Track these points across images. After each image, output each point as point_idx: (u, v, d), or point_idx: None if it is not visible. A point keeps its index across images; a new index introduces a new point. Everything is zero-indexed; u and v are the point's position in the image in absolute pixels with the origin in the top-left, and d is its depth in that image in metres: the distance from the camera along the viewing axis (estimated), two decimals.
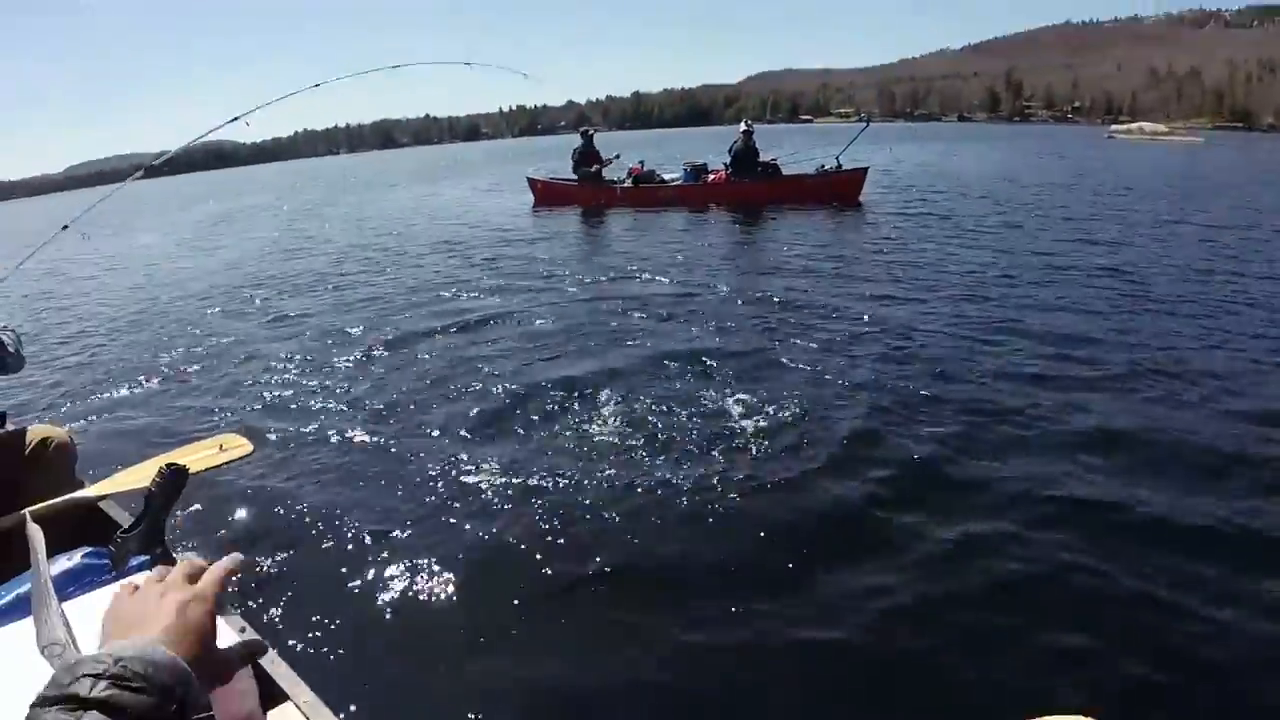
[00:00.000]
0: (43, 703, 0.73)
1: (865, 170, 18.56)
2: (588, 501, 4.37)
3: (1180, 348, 6.76)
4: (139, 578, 0.93)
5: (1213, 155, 42.59)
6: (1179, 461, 4.62)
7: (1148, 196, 18.80)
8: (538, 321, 8.53)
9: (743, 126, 18.53)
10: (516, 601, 3.56)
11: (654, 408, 5.69)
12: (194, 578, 0.95)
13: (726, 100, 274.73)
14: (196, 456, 3.33)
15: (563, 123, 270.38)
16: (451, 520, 4.29)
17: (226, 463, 3.39)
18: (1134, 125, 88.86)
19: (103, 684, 0.74)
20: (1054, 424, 5.20)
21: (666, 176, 19.51)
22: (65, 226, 4.30)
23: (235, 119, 4.81)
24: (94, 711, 0.72)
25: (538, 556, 3.88)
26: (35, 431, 3.17)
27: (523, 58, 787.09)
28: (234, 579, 0.99)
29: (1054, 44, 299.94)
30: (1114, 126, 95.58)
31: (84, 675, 0.74)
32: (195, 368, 7.75)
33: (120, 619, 0.87)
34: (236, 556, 1.02)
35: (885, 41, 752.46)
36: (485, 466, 4.87)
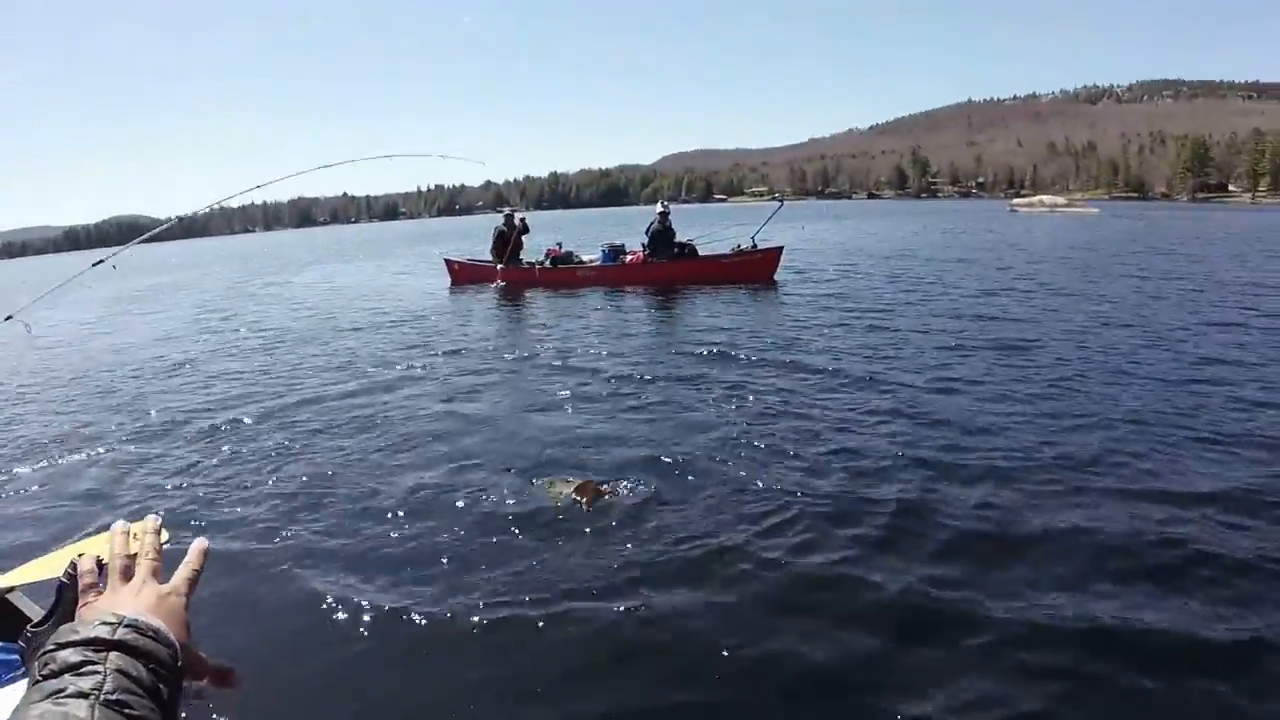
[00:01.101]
0: (62, 646, 0.77)
1: (779, 249, 18.87)
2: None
3: (1062, 425, 6.86)
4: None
5: (1107, 225, 45.87)
6: (1072, 556, 4.52)
7: (1046, 268, 19.99)
8: (436, 404, 8.40)
9: (659, 208, 18.66)
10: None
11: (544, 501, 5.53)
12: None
13: (643, 180, 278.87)
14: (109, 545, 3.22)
15: (480, 202, 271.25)
16: (378, 602, 4.20)
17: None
18: (1034, 198, 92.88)
19: (123, 629, 0.80)
20: (945, 516, 5.08)
21: (585, 257, 19.57)
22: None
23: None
24: (116, 651, 0.78)
25: (469, 644, 3.85)
26: None
27: (440, 137, 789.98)
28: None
29: (957, 122, 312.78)
30: (1015, 200, 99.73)
31: (101, 623, 0.79)
32: (109, 451, 7.43)
33: (99, 610, 0.89)
34: (201, 545, 1.05)
35: (795, 122, 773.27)
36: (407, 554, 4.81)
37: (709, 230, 20.32)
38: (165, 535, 1.03)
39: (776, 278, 18.59)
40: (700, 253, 18.87)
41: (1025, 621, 3.79)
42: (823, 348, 10.59)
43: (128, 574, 0.98)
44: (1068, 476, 5.62)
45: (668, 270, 18.26)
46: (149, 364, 12.09)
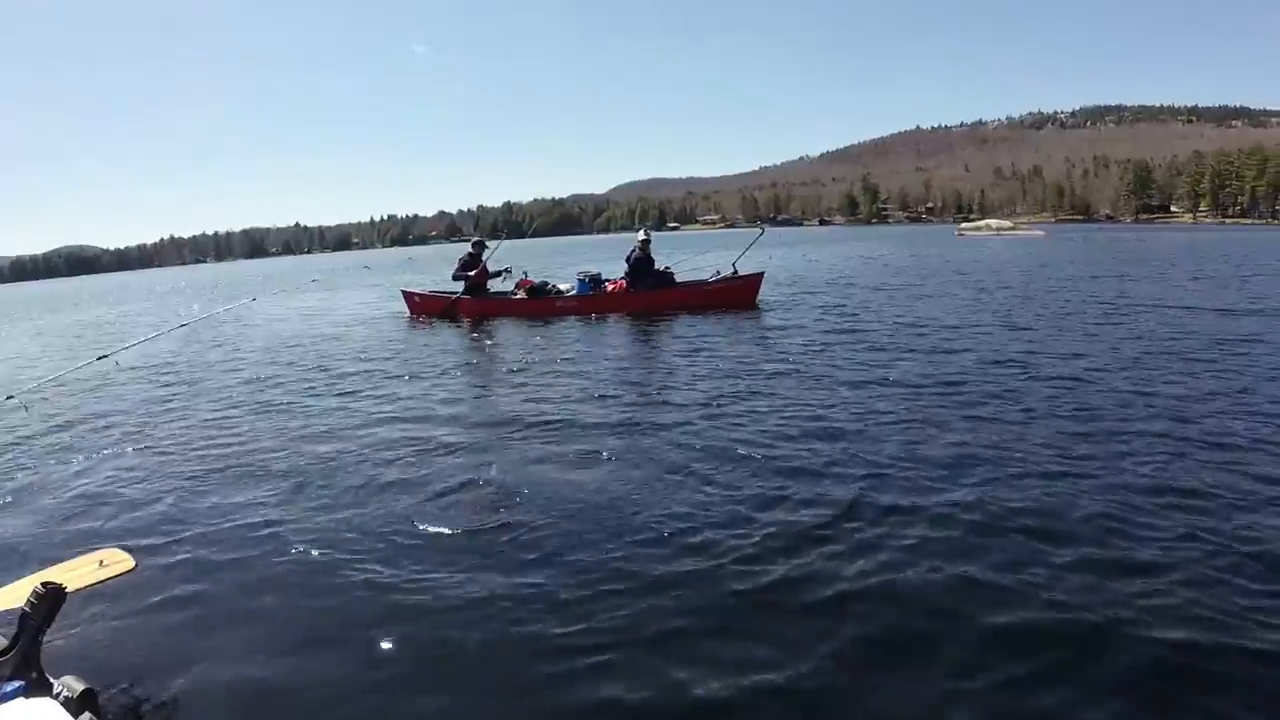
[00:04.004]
0: None
1: (761, 275, 18.74)
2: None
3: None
4: (14, 705, 0.83)
5: (1051, 247, 48.98)
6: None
7: (1002, 291, 20.57)
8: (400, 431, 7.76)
9: (641, 235, 18.22)
10: None
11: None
12: None
13: (596, 209, 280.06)
14: (75, 574, 3.38)
15: (434, 232, 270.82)
16: (344, 637, 4.09)
17: (108, 579, 3.48)
18: (981, 222, 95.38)
19: None
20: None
21: (561, 287, 18.72)
22: None
23: None
24: None
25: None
26: None
27: (393, 167, 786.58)
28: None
29: (906, 149, 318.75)
30: (963, 225, 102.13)
31: None
32: (70, 480, 7.11)
33: None
34: None
35: (746, 151, 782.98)
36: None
37: (664, 257, 19.79)
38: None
39: (758, 301, 18.37)
40: (678, 279, 18.42)
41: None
42: (820, 367, 10.53)
43: None
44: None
45: (650, 298, 17.75)
46: None
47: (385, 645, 3.96)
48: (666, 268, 18.36)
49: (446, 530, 5.33)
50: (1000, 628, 3.85)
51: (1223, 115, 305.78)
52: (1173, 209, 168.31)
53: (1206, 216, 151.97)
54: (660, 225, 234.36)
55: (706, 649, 3.80)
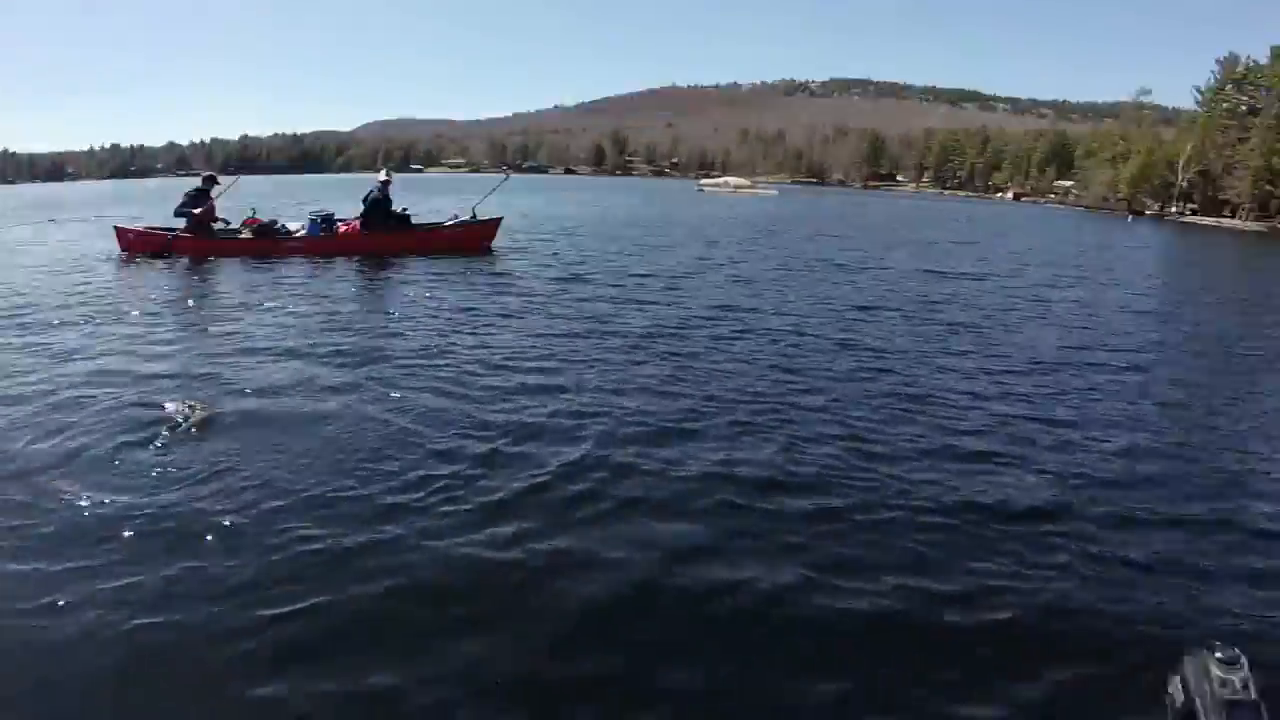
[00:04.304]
0: None
1: (499, 219, 18.88)
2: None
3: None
4: None
5: (780, 204, 54.13)
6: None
7: (731, 246, 22.28)
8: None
9: (381, 175, 17.78)
10: None
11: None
12: None
13: (339, 148, 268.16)
14: None
15: (160, 165, 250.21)
16: None
17: None
18: (721, 180, 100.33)
19: None
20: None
21: (291, 226, 17.64)
22: None
23: None
24: None
25: None
26: None
27: (119, 96, 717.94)
28: None
29: (661, 105, 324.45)
30: (703, 181, 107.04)
31: None
32: None
33: None
34: None
35: (503, 96, 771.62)
36: None
37: (405, 198, 19.28)
38: None
39: (494, 247, 18.53)
40: (415, 222, 18.21)
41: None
42: (548, 315, 10.96)
43: None
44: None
45: (385, 240, 17.34)
46: None
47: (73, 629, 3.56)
48: (404, 209, 17.97)
49: (115, 501, 4.75)
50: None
51: (958, 97, 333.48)
52: (899, 178, 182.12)
53: (928, 186, 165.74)
54: (404, 167, 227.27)
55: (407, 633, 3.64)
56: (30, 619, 3.62)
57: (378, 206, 17.28)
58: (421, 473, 5.18)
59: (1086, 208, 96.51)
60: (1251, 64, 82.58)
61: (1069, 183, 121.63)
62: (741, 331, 10.10)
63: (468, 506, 4.73)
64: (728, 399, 7.02)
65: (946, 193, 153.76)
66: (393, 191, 17.66)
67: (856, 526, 4.65)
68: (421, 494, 4.89)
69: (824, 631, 3.65)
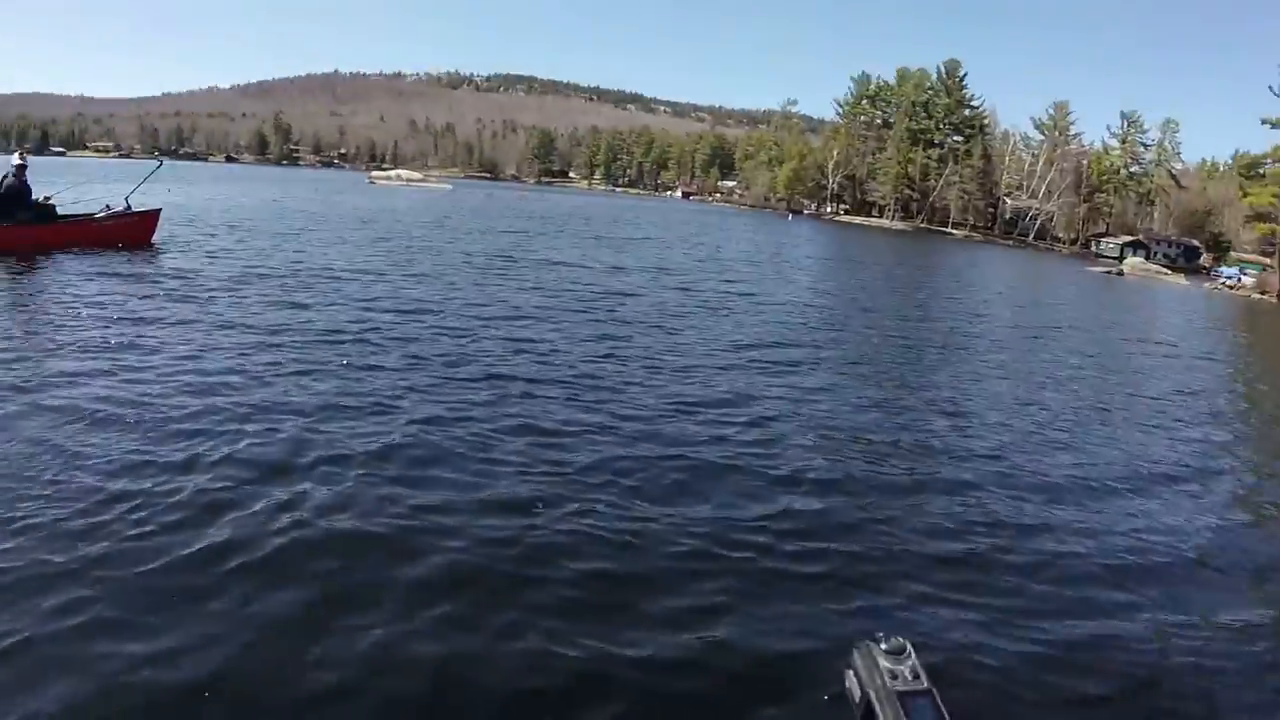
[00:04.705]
0: None
1: (158, 211, 17.95)
2: None
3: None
4: None
5: (455, 197, 57.37)
6: None
7: (401, 238, 23.05)
8: None
9: (16, 159, 15.77)
10: None
11: None
12: None
13: None
14: None
15: None
16: None
17: None
18: (393, 172, 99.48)
19: None
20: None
21: None
22: None
23: None
24: None
25: None
26: None
27: None
28: None
29: (322, 91, 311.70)
30: (374, 173, 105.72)
31: None
32: None
33: None
34: None
35: (148, 71, 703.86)
36: None
37: (45, 185, 17.00)
38: None
39: (155, 240, 17.62)
40: (59, 213, 16.39)
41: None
42: (218, 318, 10.66)
43: None
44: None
45: (27, 234, 15.48)
46: None
47: None
48: (47, 198, 16.21)
49: None
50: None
51: (620, 99, 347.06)
52: (571, 175, 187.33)
53: (600, 184, 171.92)
54: (43, 149, 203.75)
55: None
56: None
57: (13, 194, 15.55)
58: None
59: (750, 206, 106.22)
60: (881, 83, 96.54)
61: (732, 183, 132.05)
62: (431, 331, 10.66)
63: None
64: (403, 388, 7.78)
65: (618, 190, 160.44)
66: (30, 178, 15.97)
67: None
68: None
69: None
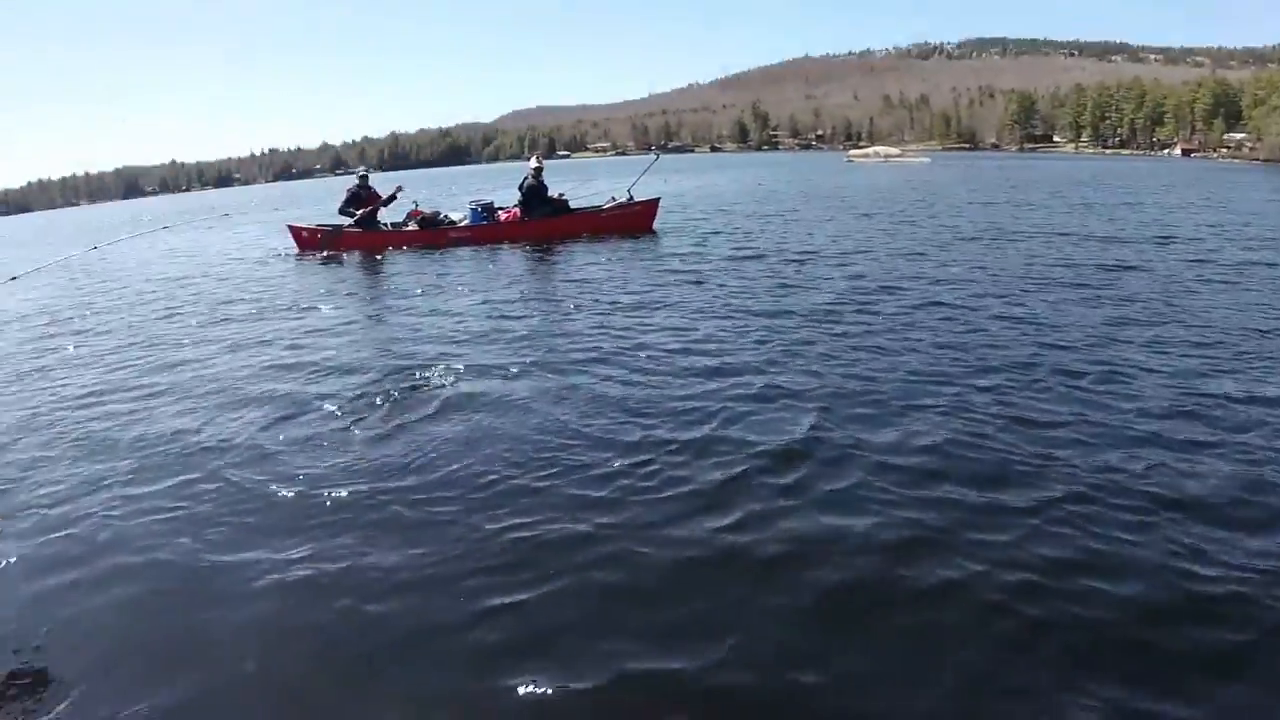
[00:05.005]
0: None
1: (657, 201, 18.67)
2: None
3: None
4: None
5: (933, 172, 50.92)
6: None
7: (890, 217, 20.90)
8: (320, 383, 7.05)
9: (533, 163, 17.90)
10: None
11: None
12: None
13: (485, 138, 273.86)
14: None
15: (319, 166, 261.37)
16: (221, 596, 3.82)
17: None
18: (869, 149, 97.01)
19: None
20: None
21: (454, 216, 18.25)
22: None
23: None
24: None
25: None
26: None
27: (271, 101, 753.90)
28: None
29: (794, 77, 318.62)
30: (852, 151, 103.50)
31: None
32: None
33: None
34: None
35: (637, 78, 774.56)
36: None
37: (556, 184, 19.01)
38: None
39: (654, 227, 18.31)
40: (572, 207, 18.27)
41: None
42: (724, 295, 10.51)
43: None
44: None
45: (545, 226, 17.55)
46: None
47: (272, 612, 3.66)
48: (560, 194, 18.04)
49: (338, 489, 4.84)
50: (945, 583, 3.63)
51: (1104, 50, 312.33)
52: (1055, 139, 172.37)
53: (1088, 147, 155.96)
54: (550, 153, 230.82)
55: (647, 615, 3.51)
56: (240, 601, 3.75)
57: (534, 193, 17.49)
58: (625, 461, 5.00)
59: (1265, 160, 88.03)
60: None
61: (1240, 135, 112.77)
62: (926, 304, 9.40)
63: (676, 495, 4.54)
64: (933, 376, 6.52)
65: (1109, 152, 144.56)
66: (545, 177, 17.74)
67: (1080, 518, 4.13)
68: (629, 482, 4.73)
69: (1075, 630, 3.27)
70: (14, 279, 5.53)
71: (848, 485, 4.57)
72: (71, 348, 9.76)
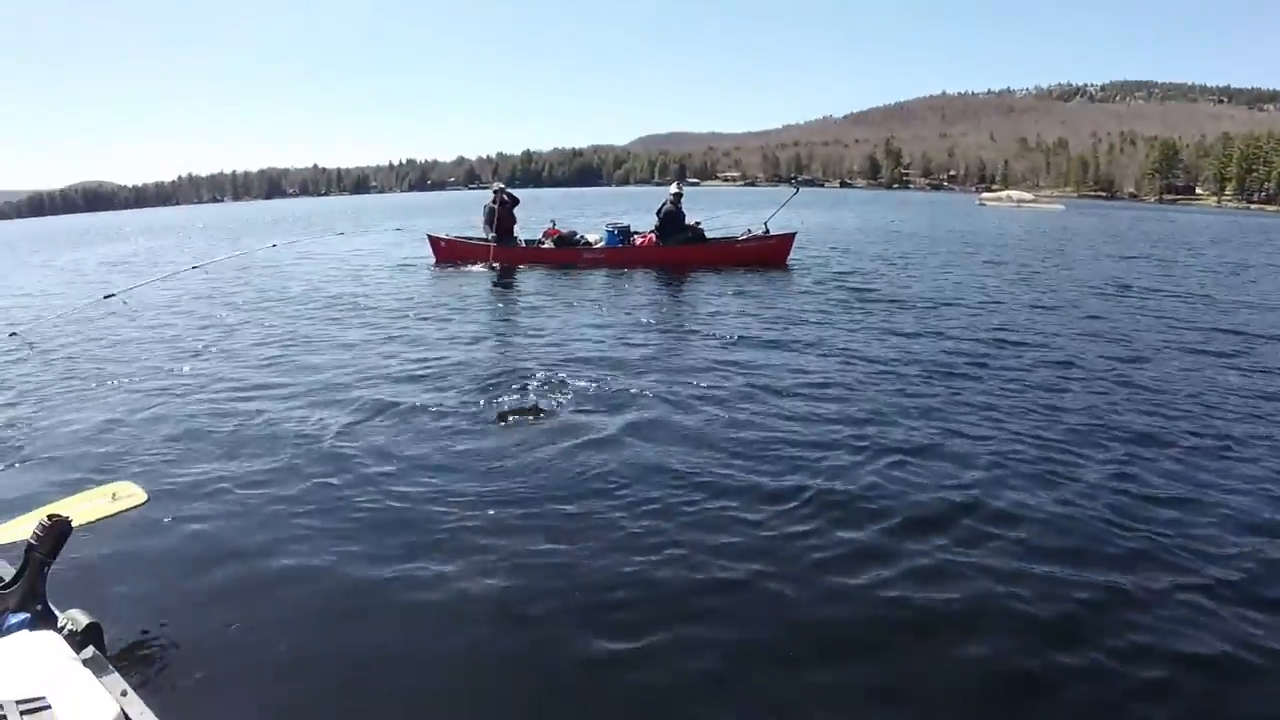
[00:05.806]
0: None
1: (794, 235, 18.51)
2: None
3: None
4: (17, 637, 0.83)
5: (1067, 221, 48.37)
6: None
7: (1025, 268, 19.76)
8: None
9: (674, 189, 17.95)
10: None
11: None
12: None
13: (616, 161, 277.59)
14: (84, 507, 3.37)
15: (453, 179, 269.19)
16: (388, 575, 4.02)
17: (118, 512, 3.43)
18: (1002, 193, 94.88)
19: None
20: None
21: (590, 237, 18.43)
22: None
23: None
24: None
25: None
26: None
27: (413, 113, 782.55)
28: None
29: (930, 114, 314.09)
30: (984, 195, 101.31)
31: None
32: (79, 416, 6.95)
33: None
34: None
35: (769, 108, 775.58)
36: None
37: (704, 215, 19.32)
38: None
39: (788, 262, 18.12)
40: (706, 236, 18.19)
41: None
42: (860, 334, 10.31)
43: None
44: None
45: (680, 253, 17.51)
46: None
47: (402, 605, 3.78)
48: (697, 223, 17.99)
49: (478, 490, 5.06)
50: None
51: (1255, 98, 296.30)
52: (1198, 190, 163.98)
53: (1231, 201, 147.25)
54: (680, 180, 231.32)
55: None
56: (386, 596, 3.87)
57: (671, 220, 17.51)
58: (767, 509, 4.80)
59: None
60: None
61: None
62: (1067, 362, 8.82)
63: (836, 538, 4.41)
64: (1089, 442, 6.05)
65: (1253, 207, 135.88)
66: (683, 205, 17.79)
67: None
68: (782, 516, 4.66)
69: None
70: (274, 246, 5.87)
71: (998, 550, 4.34)
72: (226, 341, 10.33)
